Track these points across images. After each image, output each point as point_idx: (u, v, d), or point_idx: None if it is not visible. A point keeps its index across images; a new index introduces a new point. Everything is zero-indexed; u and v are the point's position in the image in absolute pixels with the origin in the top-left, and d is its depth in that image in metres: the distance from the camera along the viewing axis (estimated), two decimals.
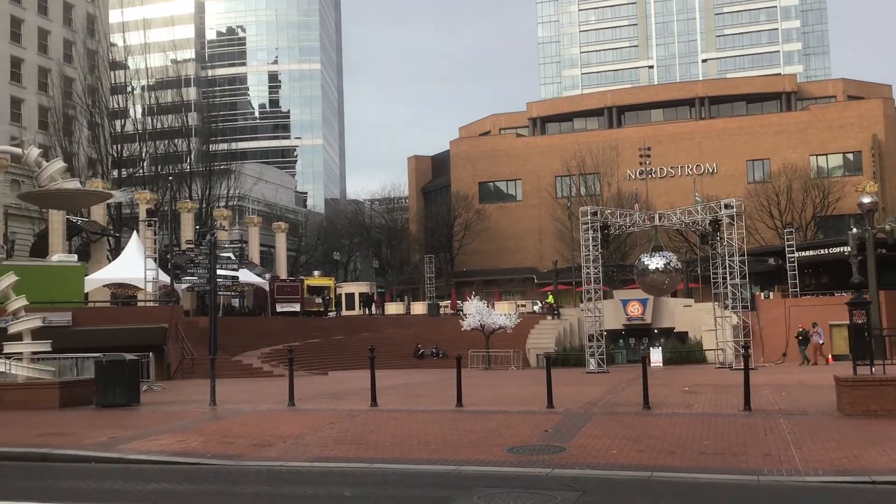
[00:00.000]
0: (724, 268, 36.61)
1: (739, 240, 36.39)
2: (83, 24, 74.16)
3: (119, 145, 67.14)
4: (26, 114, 66.95)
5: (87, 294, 40.05)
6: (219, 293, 24.67)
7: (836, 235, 56.66)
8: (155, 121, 71.02)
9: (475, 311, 45.79)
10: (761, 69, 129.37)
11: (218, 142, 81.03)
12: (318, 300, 55.98)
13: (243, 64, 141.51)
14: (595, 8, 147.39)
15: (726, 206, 36.28)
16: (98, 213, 51.73)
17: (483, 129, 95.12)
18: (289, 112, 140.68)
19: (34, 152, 22.18)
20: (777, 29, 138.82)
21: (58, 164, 22.51)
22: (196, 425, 16.65)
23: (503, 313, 47.68)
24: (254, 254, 60.80)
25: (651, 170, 75.24)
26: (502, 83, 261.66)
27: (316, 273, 70.40)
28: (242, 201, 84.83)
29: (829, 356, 41.20)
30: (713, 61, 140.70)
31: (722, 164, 78.44)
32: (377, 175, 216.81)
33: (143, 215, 47.38)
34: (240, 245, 38.05)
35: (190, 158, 73.68)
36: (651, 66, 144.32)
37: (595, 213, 37.81)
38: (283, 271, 63.39)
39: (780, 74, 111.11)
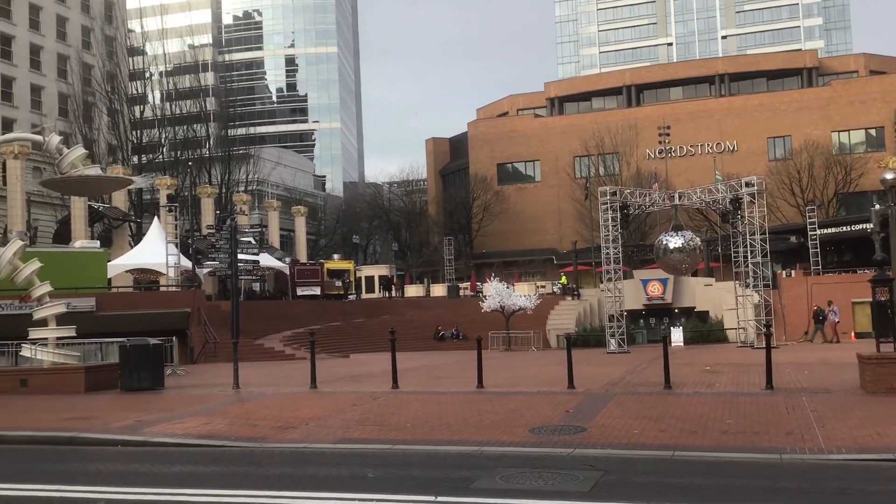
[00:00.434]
0: (746, 246, 36.37)
1: (760, 218, 36.10)
2: (101, 10, 74.39)
3: (138, 131, 67.48)
4: (46, 101, 67.37)
5: (109, 279, 40.41)
6: (240, 277, 24.84)
7: (859, 212, 56.10)
8: (173, 106, 71.30)
9: (495, 293, 45.79)
10: (782, 45, 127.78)
11: (236, 126, 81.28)
12: (338, 283, 56.20)
13: (260, 48, 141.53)
14: None
15: (747, 184, 35.97)
16: (119, 200, 52.08)
17: (501, 110, 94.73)
18: (306, 96, 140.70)
19: (55, 139, 22.34)
20: (798, 4, 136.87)
21: (78, 151, 22.68)
22: (220, 408, 16.82)
23: (523, 294, 47.67)
24: (274, 238, 61.06)
25: (670, 148, 74.74)
26: (519, 63, 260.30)
27: (336, 256, 70.69)
28: (261, 186, 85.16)
29: (852, 334, 40.96)
30: (733, 38, 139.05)
31: (742, 141, 77.75)
32: (395, 157, 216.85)
33: (163, 201, 47.69)
34: (260, 229, 38.21)
35: (209, 143, 73.98)
36: (670, 44, 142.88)
37: (614, 193, 37.62)
38: (302, 255, 63.63)
39: (800, 50, 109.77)
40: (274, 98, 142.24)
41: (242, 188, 72.77)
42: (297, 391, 19.58)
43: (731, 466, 9.96)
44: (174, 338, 28.85)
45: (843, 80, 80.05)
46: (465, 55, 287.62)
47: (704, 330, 46.89)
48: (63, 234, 51.61)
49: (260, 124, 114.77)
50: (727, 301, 43.73)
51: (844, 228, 53.01)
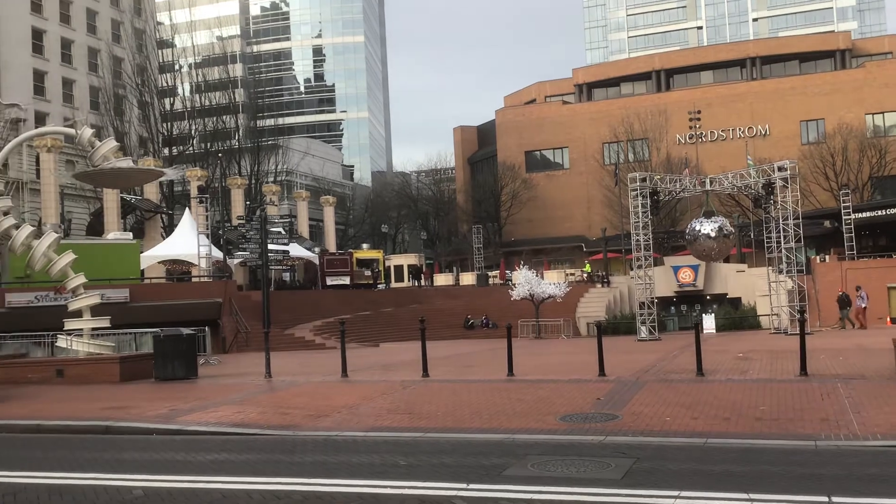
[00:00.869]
0: (778, 231, 35.94)
1: (794, 202, 35.64)
2: (130, 3, 75.03)
3: (169, 123, 68.07)
4: (78, 94, 68.16)
5: (142, 271, 40.87)
6: (270, 267, 25.01)
7: (894, 196, 55.22)
8: (203, 98, 71.80)
9: (524, 281, 45.73)
10: (814, 27, 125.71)
11: (265, 117, 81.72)
12: (368, 273, 56.40)
13: (287, 39, 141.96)
14: None
15: (780, 169, 35.53)
16: (151, 191, 52.61)
17: (528, 97, 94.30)
18: (333, 86, 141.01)
19: (87, 132, 22.57)
20: None
21: (110, 144, 22.90)
22: (253, 397, 16.97)
23: (552, 282, 47.55)
24: (303, 228, 61.38)
25: (701, 133, 73.99)
26: (547, 50, 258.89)
27: (364, 246, 70.91)
28: (290, 176, 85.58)
29: (888, 319, 40.40)
30: (764, 20, 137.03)
31: (775, 125, 76.75)
32: (423, 146, 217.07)
33: (194, 192, 48.08)
34: (289, 220, 38.47)
35: (238, 135, 74.47)
36: (700, 27, 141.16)
37: (644, 180, 37.32)
38: (331, 245, 63.92)
39: (833, 32, 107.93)
40: (302, 88, 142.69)
41: (271, 179, 73.22)
42: (327, 380, 19.70)
43: (766, 453, 9.86)
44: (206, 328, 29.14)
45: (878, 62, 78.64)
46: (493, 42, 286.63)
47: (737, 317, 46.51)
48: (96, 226, 52.28)
49: (288, 115, 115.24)
50: (760, 287, 43.32)
51: (879, 212, 52.23)
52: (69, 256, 22.50)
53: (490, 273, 63.48)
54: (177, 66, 74.65)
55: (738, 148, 70.20)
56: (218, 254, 43.05)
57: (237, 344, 34.71)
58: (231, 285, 38.66)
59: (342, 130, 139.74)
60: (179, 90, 74.02)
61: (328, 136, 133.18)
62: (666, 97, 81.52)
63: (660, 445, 10.49)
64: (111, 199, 47.49)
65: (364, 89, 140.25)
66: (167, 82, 71.90)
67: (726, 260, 49.60)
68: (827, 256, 51.96)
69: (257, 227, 23.06)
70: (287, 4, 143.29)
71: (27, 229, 22.66)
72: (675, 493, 7.88)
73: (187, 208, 49.25)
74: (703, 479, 8.60)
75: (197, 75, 73.68)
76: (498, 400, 14.85)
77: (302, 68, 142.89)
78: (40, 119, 62.76)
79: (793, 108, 76.28)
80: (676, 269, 49.88)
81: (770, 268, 39.35)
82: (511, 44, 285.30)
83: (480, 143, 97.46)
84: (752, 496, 7.74)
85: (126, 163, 25.33)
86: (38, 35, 65.61)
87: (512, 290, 46.64)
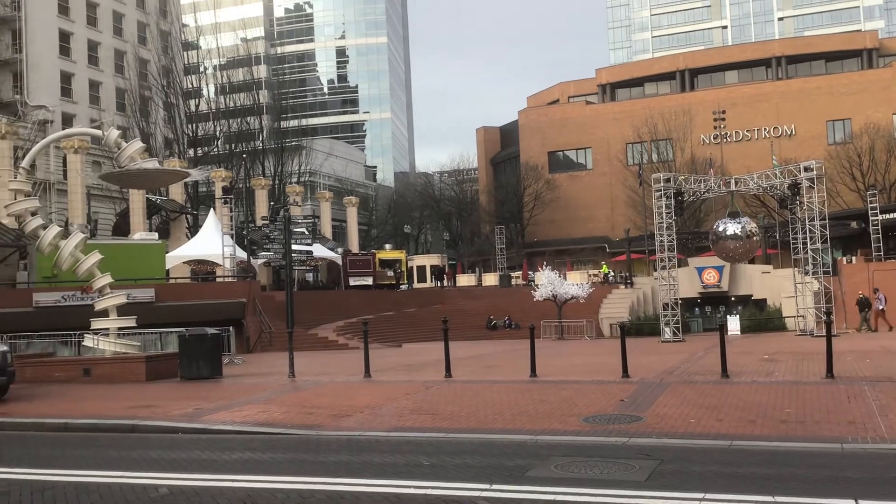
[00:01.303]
0: (804, 232, 35.61)
1: (820, 203, 35.30)
2: (156, 6, 75.68)
3: (194, 125, 68.57)
4: (104, 96, 68.83)
5: (167, 271, 41.19)
6: (294, 268, 25.13)
7: None
8: (227, 99, 72.28)
9: (547, 282, 45.64)
10: (840, 26, 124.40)
11: (288, 118, 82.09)
12: (390, 273, 56.51)
13: (311, 40, 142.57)
14: None
15: (806, 169, 35.20)
16: (176, 192, 53.01)
17: (551, 97, 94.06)
18: (356, 87, 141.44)
19: (114, 134, 22.79)
20: None
21: (136, 145, 23.11)
22: (277, 396, 17.06)
23: (575, 283, 47.42)
24: (326, 228, 61.62)
25: (726, 133, 73.51)
26: (570, 50, 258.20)
27: (387, 246, 71.07)
28: (313, 177, 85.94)
29: None
30: (790, 19, 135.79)
31: (800, 125, 76.04)
32: (445, 146, 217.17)
33: (219, 193, 48.39)
34: (312, 220, 38.58)
35: (262, 136, 74.90)
36: (724, 27, 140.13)
37: (668, 180, 37.11)
38: (354, 245, 64.11)
39: (860, 31, 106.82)
40: (325, 89, 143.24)
41: (295, 179, 73.56)
42: (351, 380, 19.77)
43: (791, 456, 9.79)
44: (231, 327, 29.32)
45: None
46: (515, 43, 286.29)
47: (762, 318, 46.12)
48: (122, 226, 52.75)
49: (311, 116, 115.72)
50: (785, 288, 42.94)
51: None
52: (96, 256, 22.72)
53: (513, 274, 63.39)
54: (202, 68, 75.20)
55: (764, 148, 69.66)
56: (242, 254, 43.31)
57: (261, 344, 34.90)
58: (255, 285, 38.88)
59: (365, 131, 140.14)
60: (204, 91, 74.56)
61: (351, 136, 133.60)
62: (690, 97, 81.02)
63: (684, 447, 10.44)
64: (137, 199, 47.91)
65: (387, 90, 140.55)
66: (192, 84, 72.44)
67: (751, 261, 49.20)
68: (854, 258, 51.42)
69: (281, 228, 23.17)
70: (311, 6, 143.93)
71: (54, 229, 22.93)
72: (700, 495, 7.84)
73: (212, 209, 49.58)
74: (728, 482, 8.55)
75: (221, 77, 74.18)
76: (521, 401, 14.83)
77: (325, 69, 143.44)
78: (67, 121, 63.47)
79: (819, 107, 75.54)
80: (701, 271, 49.55)
81: (796, 269, 39.00)
82: (534, 44, 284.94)
83: (503, 144, 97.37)
84: (778, 499, 7.68)
85: (152, 164, 25.55)
86: (65, 37, 66.34)
87: (534, 290, 46.55)
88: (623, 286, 53.97)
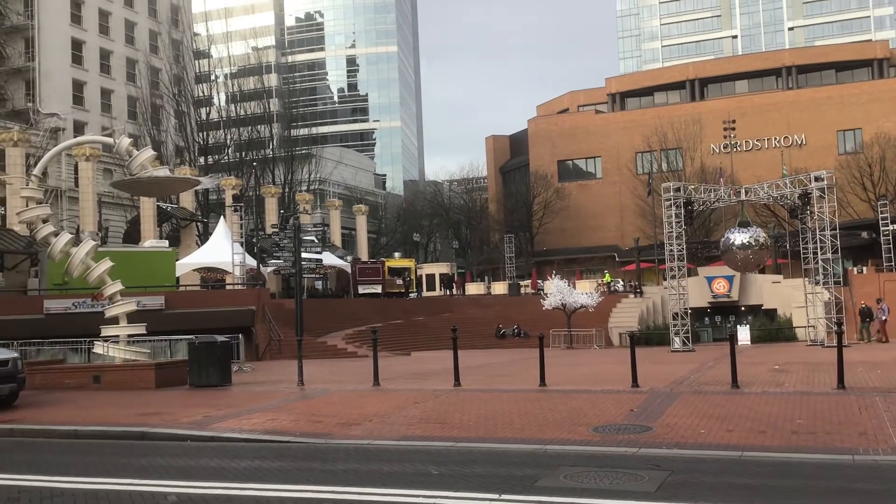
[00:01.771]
0: (815, 242, 35.48)
1: (831, 213, 35.18)
2: (167, 14, 76.11)
3: (205, 133, 68.84)
4: (116, 104, 69.20)
5: (178, 278, 41.29)
6: (303, 275, 25.17)
7: None
8: (238, 108, 72.58)
9: (556, 291, 45.58)
10: (851, 36, 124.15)
11: (299, 127, 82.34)
12: (399, 281, 56.53)
13: (321, 49, 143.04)
14: None
15: (816, 179, 35.09)
16: (186, 200, 53.19)
17: (561, 106, 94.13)
18: (367, 95, 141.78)
19: (125, 142, 22.89)
20: None
21: (148, 153, 23.19)
22: (285, 404, 17.06)
23: (585, 292, 47.33)
24: (335, 236, 61.72)
25: (736, 143, 73.41)
26: (580, 59, 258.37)
27: (396, 254, 71.16)
28: (323, 185, 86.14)
29: None
30: (800, 29, 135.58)
31: (811, 135, 75.85)
32: (455, 155, 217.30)
33: (229, 201, 48.54)
34: (322, 228, 38.71)
35: (272, 144, 75.15)
36: (735, 36, 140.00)
37: (678, 189, 37.04)
38: (363, 253, 64.18)
39: (870, 41, 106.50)
40: (335, 98, 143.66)
41: (305, 188, 73.75)
42: (360, 388, 19.75)
43: (802, 467, 9.73)
44: (240, 335, 29.36)
45: None
46: (525, 52, 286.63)
47: (772, 328, 45.92)
48: (133, 233, 52.96)
49: (321, 124, 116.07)
50: (796, 298, 42.75)
51: None
52: (106, 264, 22.80)
53: (522, 283, 63.33)
54: (213, 77, 75.55)
55: (774, 158, 69.51)
56: (252, 262, 43.40)
57: (270, 351, 34.93)
58: (264, 293, 38.94)
59: (375, 140, 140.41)
60: (215, 100, 74.89)
61: (361, 145, 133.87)
62: (700, 106, 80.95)
63: (694, 458, 10.39)
64: (148, 207, 48.09)
65: (397, 99, 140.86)
66: (203, 92, 72.77)
67: (762, 271, 49.05)
68: (864, 268, 51.19)
69: (291, 236, 23.23)
70: (321, 15, 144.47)
71: (66, 237, 23.03)
72: None
73: (222, 217, 49.72)
74: (738, 493, 8.50)
75: (232, 85, 74.51)
76: (530, 410, 14.79)
77: (336, 78, 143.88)
78: (79, 128, 63.83)
79: (829, 117, 75.35)
80: (710, 280, 49.39)
81: (806, 279, 38.85)
82: (544, 54, 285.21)
83: (513, 153, 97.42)
84: None
85: (163, 172, 25.65)
86: (77, 46, 66.77)
87: (544, 299, 46.47)
88: (632, 295, 53.84)
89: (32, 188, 23.19)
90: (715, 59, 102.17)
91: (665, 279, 41.19)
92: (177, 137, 68.75)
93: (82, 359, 24.91)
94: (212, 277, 46.43)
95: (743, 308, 49.65)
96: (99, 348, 22.90)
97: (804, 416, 13.16)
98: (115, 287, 22.77)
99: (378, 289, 52.78)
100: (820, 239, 34.94)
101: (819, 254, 35.19)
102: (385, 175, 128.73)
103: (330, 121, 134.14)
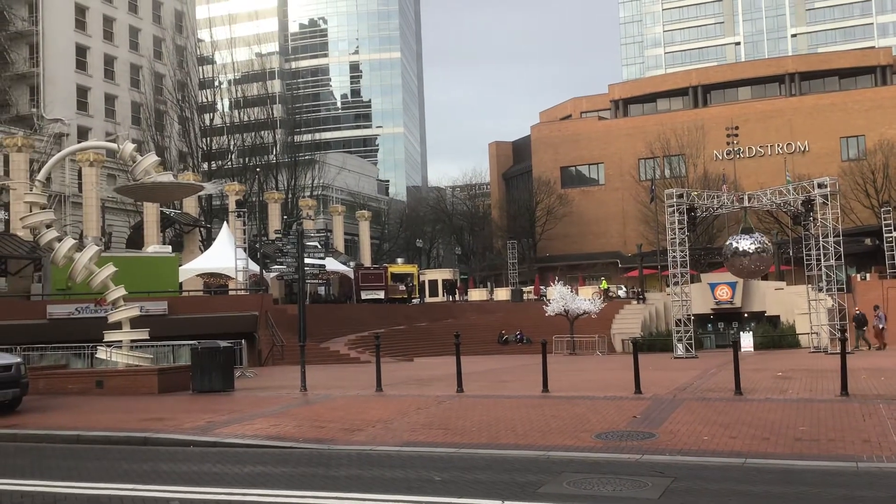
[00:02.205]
0: (818, 249, 35.42)
1: (834, 220, 35.12)
2: (172, 20, 76.32)
3: (208, 138, 68.99)
4: (119, 110, 69.34)
5: (181, 283, 41.32)
6: (306, 281, 25.16)
7: None
8: (242, 114, 72.71)
9: (559, 297, 45.53)
10: (854, 42, 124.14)
11: (302, 133, 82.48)
12: (402, 287, 56.51)
13: (325, 55, 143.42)
14: None
15: (819, 186, 35.05)
16: (190, 206, 53.28)
17: (564, 112, 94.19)
18: (370, 101, 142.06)
19: (129, 147, 22.93)
20: (870, 0, 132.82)
21: (151, 158, 23.24)
22: (288, 410, 17.07)
23: (587, 298, 47.28)
24: (338, 242, 61.75)
25: (739, 149, 73.41)
26: (583, 66, 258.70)
27: (399, 260, 71.13)
28: (326, 190, 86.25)
29: None
30: (803, 36, 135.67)
31: (814, 141, 75.85)
32: (458, 161, 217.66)
33: (232, 206, 48.62)
34: (325, 234, 38.68)
35: (276, 150, 75.28)
36: (738, 43, 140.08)
37: (681, 196, 37.00)
38: (366, 259, 64.20)
39: (874, 47, 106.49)
40: (338, 104, 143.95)
41: (308, 193, 73.82)
42: (362, 394, 19.75)
43: (806, 474, 9.71)
44: (243, 341, 29.36)
45: None
46: (528, 58, 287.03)
47: (775, 335, 45.83)
48: (136, 239, 53.03)
49: (325, 130, 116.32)
50: (799, 305, 42.69)
51: None
52: (110, 269, 22.83)
53: (524, 289, 63.29)
54: (216, 83, 75.71)
55: (777, 164, 69.50)
56: (255, 267, 43.42)
57: (273, 357, 34.92)
58: (267, 299, 38.94)
59: (378, 145, 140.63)
60: (219, 106, 75.06)
61: (364, 151, 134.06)
62: (703, 113, 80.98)
63: (697, 465, 10.38)
64: (151, 212, 48.17)
65: (400, 105, 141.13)
66: (207, 98, 72.93)
67: (765, 277, 48.94)
68: (868, 275, 51.11)
69: (294, 242, 23.22)
70: (325, 22, 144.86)
71: (69, 242, 23.06)
72: None
73: (225, 222, 49.76)
74: (741, 500, 8.49)
75: (236, 91, 74.67)
76: (533, 416, 14.79)
77: (339, 84, 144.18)
78: (83, 134, 63.97)
79: (832, 124, 75.33)
80: (713, 287, 49.33)
81: (809, 286, 38.78)
82: (547, 60, 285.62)
83: (516, 159, 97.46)
84: None
85: (166, 177, 25.67)
86: (81, 51, 66.95)
87: (546, 305, 46.44)
88: (635, 302, 53.79)
89: (36, 193, 23.24)
90: (718, 66, 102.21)
91: (668, 286, 41.14)
92: (180, 143, 68.86)
93: (85, 364, 24.92)
94: (215, 283, 46.43)
95: (746, 315, 49.57)
96: (102, 353, 22.91)
97: (808, 423, 13.14)
98: (118, 292, 22.80)
99: (381, 294, 52.78)
100: (823, 246, 34.89)
101: (822, 260, 35.13)
102: (388, 181, 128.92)
103: (333, 127, 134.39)
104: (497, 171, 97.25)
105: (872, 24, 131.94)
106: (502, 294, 63.54)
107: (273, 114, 77.95)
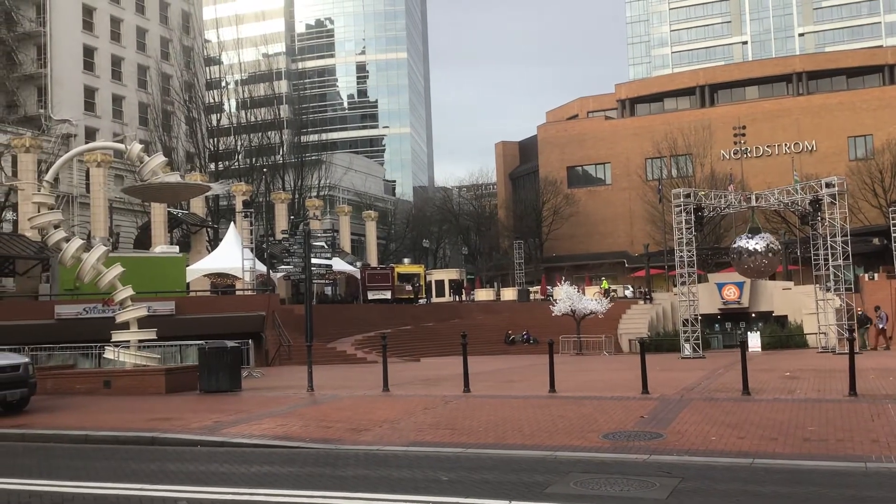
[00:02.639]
0: (826, 249, 35.29)
1: (841, 219, 34.97)
2: (179, 21, 76.48)
3: (215, 139, 69.13)
4: (127, 110, 69.54)
5: (188, 284, 41.40)
6: (313, 281, 25.16)
7: None
8: (249, 114, 72.82)
9: (565, 297, 45.46)
10: (862, 42, 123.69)
11: (309, 133, 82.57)
12: (409, 287, 56.51)
13: (332, 55, 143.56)
14: None
15: (827, 185, 34.91)
16: (197, 206, 53.37)
17: (570, 112, 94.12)
18: (376, 102, 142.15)
19: (136, 148, 22.98)
20: None
21: (159, 159, 23.28)
22: (295, 410, 17.08)
23: (594, 298, 47.21)
24: (345, 242, 61.80)
25: (746, 149, 73.23)
26: (590, 66, 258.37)
27: (406, 260, 71.14)
28: (333, 191, 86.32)
29: None
30: (810, 35, 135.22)
31: (821, 141, 75.62)
32: (465, 161, 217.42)
33: (239, 207, 48.65)
34: (332, 234, 38.69)
35: (282, 150, 75.37)
36: (745, 42, 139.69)
37: (688, 195, 36.90)
38: (373, 259, 64.23)
39: (881, 46, 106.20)
40: (345, 104, 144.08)
41: (314, 193, 73.90)
42: (369, 394, 19.75)
43: (814, 475, 9.68)
44: (250, 341, 29.39)
45: None
46: (535, 58, 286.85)
47: (783, 335, 45.70)
48: (143, 239, 53.17)
49: (331, 130, 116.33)
50: (807, 305, 42.56)
51: None
52: (117, 269, 22.88)
53: (531, 289, 63.26)
54: (223, 83, 75.84)
55: (784, 164, 69.29)
56: (262, 267, 43.46)
57: (280, 357, 34.96)
58: (274, 299, 39.00)
59: (384, 146, 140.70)
60: (226, 106, 75.19)
61: (370, 151, 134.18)
62: (710, 112, 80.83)
63: (705, 465, 10.35)
64: (158, 213, 48.26)
65: (406, 105, 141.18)
66: (214, 99, 73.07)
67: (772, 277, 48.82)
68: (876, 274, 50.91)
69: (301, 242, 23.23)
70: (332, 22, 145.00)
71: (77, 242, 23.11)
72: None
73: (232, 222, 49.83)
74: (749, 500, 8.46)
75: (243, 92, 74.79)
76: (540, 416, 14.76)
77: (345, 84, 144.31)
78: (90, 134, 64.15)
79: (840, 123, 75.10)
80: (721, 287, 49.19)
81: (817, 285, 38.63)
82: (554, 60, 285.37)
83: (522, 159, 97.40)
84: None
85: (173, 178, 25.73)
86: (89, 52, 67.14)
87: (553, 305, 46.39)
88: (642, 302, 53.70)
89: (44, 194, 23.30)
90: (725, 65, 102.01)
91: (675, 285, 41.06)
92: (187, 143, 69.02)
93: (93, 364, 24.99)
94: (222, 283, 46.52)
95: (753, 315, 49.44)
96: (109, 353, 22.96)
97: (816, 423, 13.09)
98: (125, 292, 22.85)
99: (388, 295, 52.78)
100: (831, 245, 34.77)
101: (830, 260, 35.00)
102: (394, 181, 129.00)
103: (340, 127, 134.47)
104: (504, 171, 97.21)
105: (880, 22, 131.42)
106: (509, 294, 63.52)
107: (280, 114, 78.05)
